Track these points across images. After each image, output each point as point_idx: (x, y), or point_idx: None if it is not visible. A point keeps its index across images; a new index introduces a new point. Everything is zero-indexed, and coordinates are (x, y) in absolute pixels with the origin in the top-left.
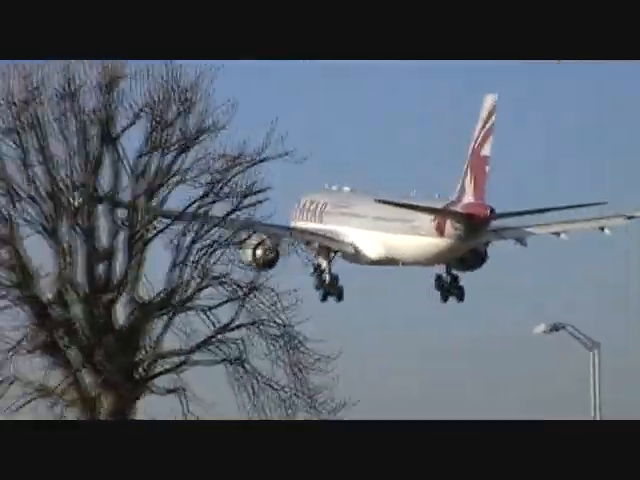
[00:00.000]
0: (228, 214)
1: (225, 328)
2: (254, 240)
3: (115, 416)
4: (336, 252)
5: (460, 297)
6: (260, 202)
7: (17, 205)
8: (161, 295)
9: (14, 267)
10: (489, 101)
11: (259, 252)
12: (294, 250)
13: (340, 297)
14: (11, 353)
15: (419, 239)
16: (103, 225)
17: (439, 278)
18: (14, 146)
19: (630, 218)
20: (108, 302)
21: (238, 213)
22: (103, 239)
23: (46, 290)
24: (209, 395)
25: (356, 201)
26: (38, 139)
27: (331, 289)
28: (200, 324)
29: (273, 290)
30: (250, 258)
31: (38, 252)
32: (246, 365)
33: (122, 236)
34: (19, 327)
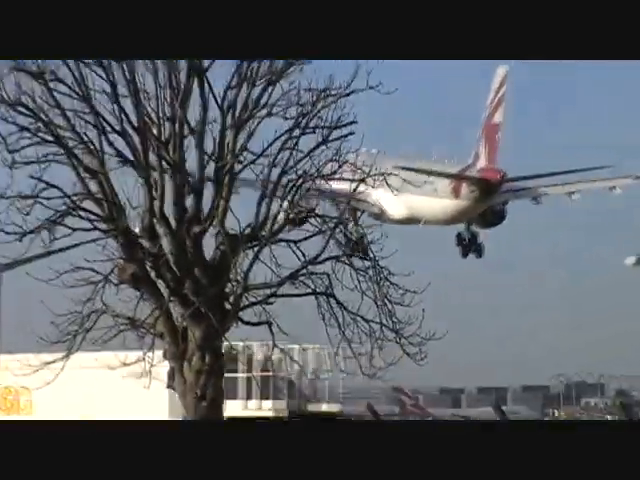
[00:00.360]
0: (315, 147)
1: (313, 261)
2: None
3: (204, 348)
4: (363, 212)
5: (479, 253)
6: (347, 136)
7: (106, 138)
8: (249, 228)
9: (103, 200)
10: (500, 72)
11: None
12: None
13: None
14: (100, 285)
15: (438, 201)
16: (192, 157)
17: (459, 235)
18: (104, 79)
19: (638, 178)
20: (197, 234)
21: (324, 147)
22: (192, 172)
23: (135, 223)
24: (297, 327)
25: (382, 164)
26: (127, 72)
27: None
28: (288, 257)
29: (360, 224)
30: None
31: (127, 185)
32: (334, 298)
33: (210, 169)
34: (108, 260)
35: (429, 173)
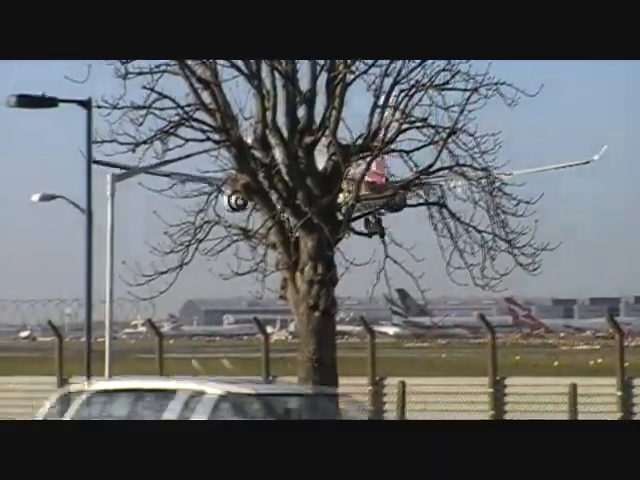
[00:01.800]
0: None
1: (425, 171)
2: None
3: (316, 259)
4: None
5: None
6: None
7: None
8: (361, 138)
9: (216, 111)
10: None
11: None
12: None
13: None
14: (213, 196)
15: None
16: (304, 68)
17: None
18: None
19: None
20: (309, 145)
21: None
22: (304, 82)
23: (247, 133)
24: (408, 238)
25: None
26: None
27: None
28: (400, 167)
29: (473, 134)
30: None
31: (240, 95)
32: (446, 208)
33: (323, 79)
34: (221, 170)
35: None
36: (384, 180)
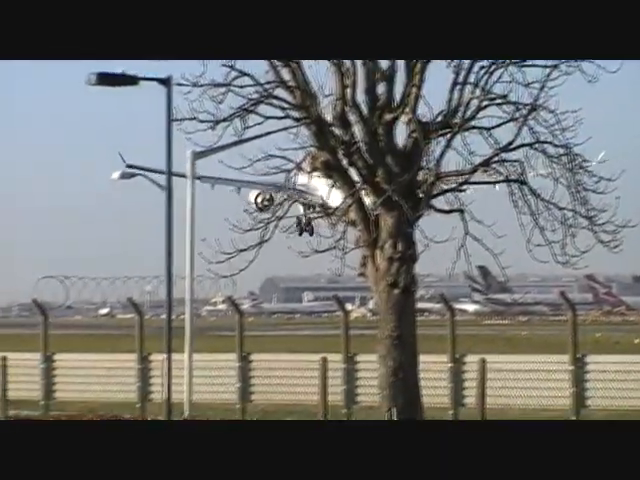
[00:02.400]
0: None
1: (505, 148)
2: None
3: (395, 236)
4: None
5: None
6: None
7: None
8: (441, 115)
9: (295, 88)
10: None
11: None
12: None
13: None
14: (293, 173)
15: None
16: None
17: None
18: None
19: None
20: (389, 122)
21: None
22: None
23: (327, 110)
24: (489, 215)
25: None
26: None
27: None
28: (480, 144)
29: (553, 111)
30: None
31: (319, 72)
32: (527, 185)
33: None
34: (300, 147)
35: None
36: None
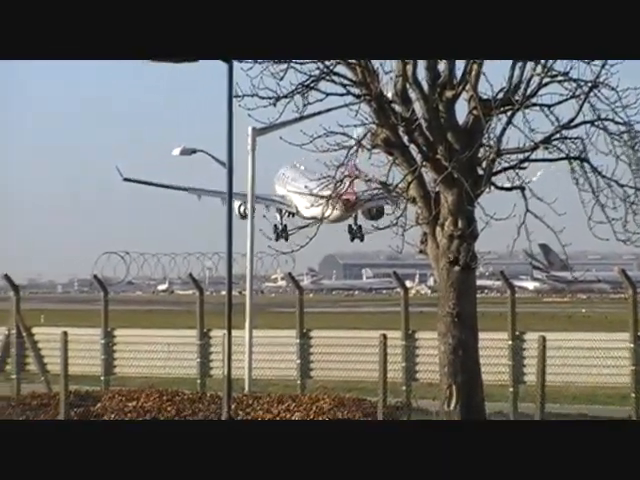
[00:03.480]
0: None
1: (567, 125)
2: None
3: (456, 213)
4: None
5: (361, 239)
6: None
7: None
8: (502, 92)
9: (356, 64)
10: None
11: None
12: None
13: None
14: (354, 150)
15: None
16: None
17: (350, 226)
18: None
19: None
20: (449, 99)
21: None
22: None
23: (388, 87)
24: (549, 193)
25: (301, 178)
26: None
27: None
28: (541, 121)
29: (615, 88)
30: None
31: None
32: (588, 162)
33: None
34: (361, 124)
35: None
36: (355, 197)
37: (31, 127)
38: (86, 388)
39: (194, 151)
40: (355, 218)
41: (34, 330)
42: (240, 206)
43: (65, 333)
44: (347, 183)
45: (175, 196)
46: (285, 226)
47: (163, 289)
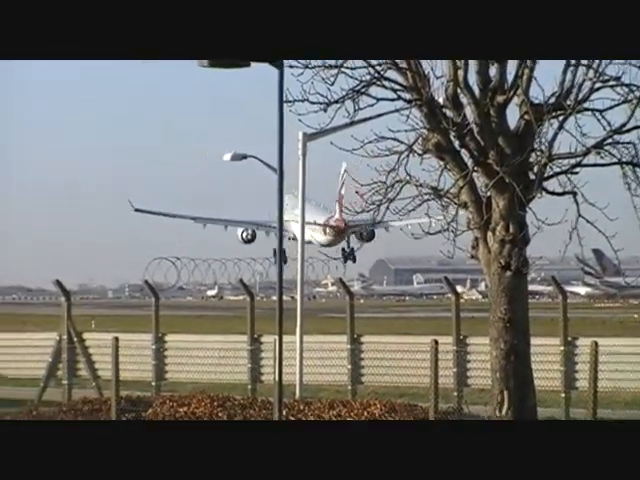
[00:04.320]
0: None
1: (619, 130)
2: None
3: (507, 218)
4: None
5: (354, 260)
6: None
7: None
8: (554, 97)
9: (407, 69)
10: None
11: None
12: None
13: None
14: (404, 155)
15: (318, 235)
16: None
17: (343, 249)
18: None
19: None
20: (501, 104)
21: None
22: None
23: (439, 92)
24: (601, 198)
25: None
26: None
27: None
28: (593, 126)
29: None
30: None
31: None
32: None
33: None
34: (412, 129)
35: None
36: (344, 224)
37: (84, 128)
38: (137, 393)
39: (245, 156)
40: (348, 241)
41: (85, 336)
42: (243, 232)
43: (116, 338)
44: (337, 210)
45: (227, 200)
46: (284, 250)
47: (212, 295)
